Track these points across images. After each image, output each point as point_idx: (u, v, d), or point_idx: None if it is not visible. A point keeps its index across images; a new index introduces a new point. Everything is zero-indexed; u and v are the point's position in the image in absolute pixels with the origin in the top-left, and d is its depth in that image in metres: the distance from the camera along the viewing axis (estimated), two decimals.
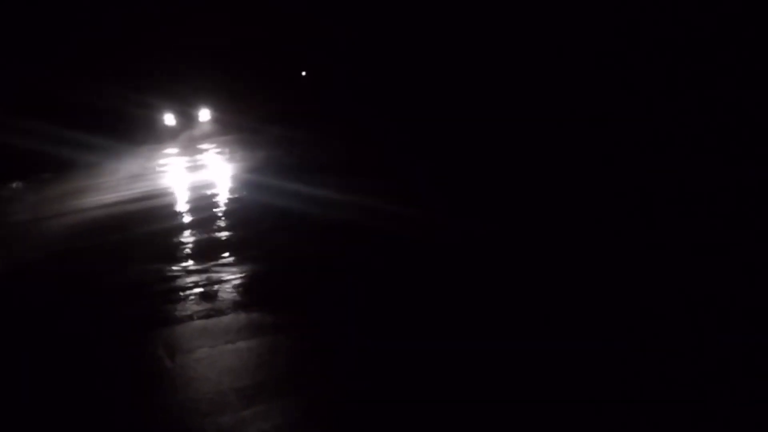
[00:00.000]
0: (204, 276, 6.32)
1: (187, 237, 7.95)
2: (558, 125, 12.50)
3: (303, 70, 27.68)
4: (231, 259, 6.81)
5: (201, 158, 15.41)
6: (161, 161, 15.45)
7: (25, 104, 16.76)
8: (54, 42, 19.72)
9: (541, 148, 11.10)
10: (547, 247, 6.12)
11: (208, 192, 10.91)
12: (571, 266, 5.60)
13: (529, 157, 10.56)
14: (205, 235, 7.89)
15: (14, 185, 12.63)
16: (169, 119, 20.79)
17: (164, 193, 11.29)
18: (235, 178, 12.25)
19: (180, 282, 6.23)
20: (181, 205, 10.19)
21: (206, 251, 7.16)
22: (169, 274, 6.48)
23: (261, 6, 26.06)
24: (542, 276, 5.45)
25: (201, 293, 5.85)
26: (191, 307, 5.53)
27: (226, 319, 5.19)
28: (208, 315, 5.31)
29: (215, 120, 21.44)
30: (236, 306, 5.47)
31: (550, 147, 11.05)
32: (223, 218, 8.83)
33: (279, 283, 6.04)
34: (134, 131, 19.10)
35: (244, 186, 11.30)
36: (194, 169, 13.74)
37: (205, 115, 21.38)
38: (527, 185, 8.76)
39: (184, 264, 6.77)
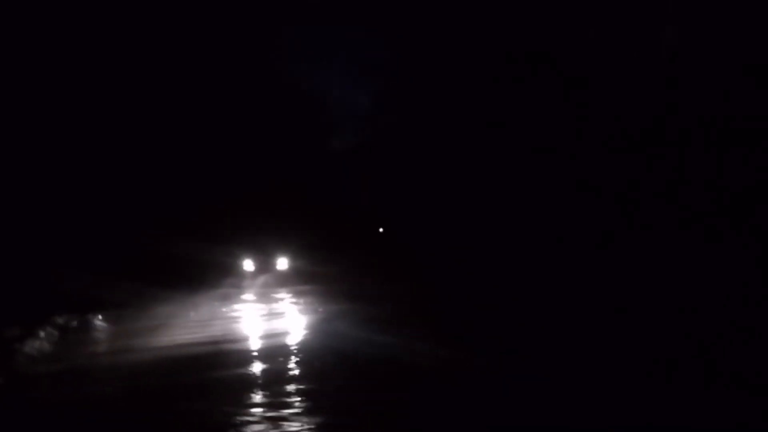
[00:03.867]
0: (275, 424, 6.60)
1: (258, 383, 8.28)
2: None
3: (381, 227, 29.01)
4: (301, 408, 7.08)
5: (276, 306, 15.97)
6: (237, 306, 16.08)
7: (115, 251, 18.23)
8: (151, 203, 21.58)
9: None
10: None
11: (281, 339, 11.33)
12: None
13: None
14: (276, 383, 8.18)
15: (92, 317, 13.33)
16: (248, 265, 21.78)
17: (238, 338, 11.74)
18: (308, 327, 12.70)
19: (249, 429, 6.52)
20: (253, 351, 10.60)
21: (276, 398, 7.44)
22: (238, 420, 6.76)
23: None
24: None
25: None
26: None
27: None
28: None
29: (292, 269, 22.24)
30: None
31: None
32: (295, 367, 9.14)
33: None
34: (215, 276, 20.13)
35: (317, 335, 11.75)
36: (269, 317, 14.24)
37: (282, 263, 22.23)
38: None
39: (254, 410, 7.06)
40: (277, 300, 17.16)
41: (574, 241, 16.24)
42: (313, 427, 6.52)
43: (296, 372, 8.87)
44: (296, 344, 10.99)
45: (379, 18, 24.96)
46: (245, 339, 11.90)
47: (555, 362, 8.64)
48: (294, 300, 16.94)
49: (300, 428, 6.46)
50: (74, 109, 19.71)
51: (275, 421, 6.66)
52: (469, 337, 10.73)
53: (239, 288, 19.83)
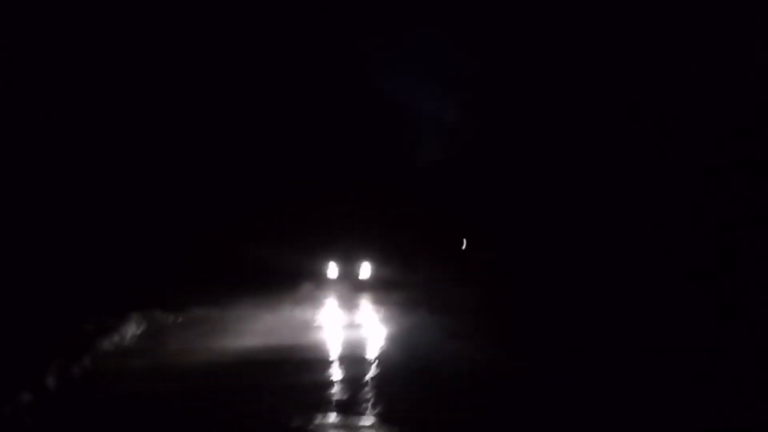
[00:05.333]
0: None
1: (334, 390, 8.27)
2: None
3: (464, 238, 29.19)
4: (377, 417, 7.01)
5: (356, 313, 15.96)
6: (317, 311, 16.13)
7: (194, 253, 18.72)
8: (239, 210, 22.08)
9: None
10: None
11: (360, 349, 11.43)
12: None
13: None
14: (352, 391, 8.15)
15: (170, 316, 13.56)
16: (331, 271, 21.89)
17: (315, 345, 11.81)
18: (389, 337, 12.61)
19: None
20: (331, 359, 10.74)
21: (351, 406, 7.40)
22: (312, 425, 6.73)
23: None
24: None
25: None
26: None
27: None
28: None
29: (375, 277, 22.26)
30: None
31: None
32: (373, 376, 9.14)
33: None
34: (298, 281, 20.31)
35: (398, 346, 11.66)
36: (349, 325, 14.26)
37: (366, 270, 22.25)
38: None
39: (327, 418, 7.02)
40: (357, 307, 17.17)
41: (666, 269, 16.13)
42: None
43: (374, 382, 8.82)
44: (376, 354, 11.06)
45: (469, 33, 25.29)
46: (323, 346, 11.93)
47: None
48: (375, 308, 16.89)
49: None
50: (155, 111, 20.27)
51: (349, 429, 6.60)
52: (568, 356, 10.42)
53: (321, 293, 19.94)
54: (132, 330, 11.78)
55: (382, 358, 10.57)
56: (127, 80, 20.00)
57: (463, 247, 28.94)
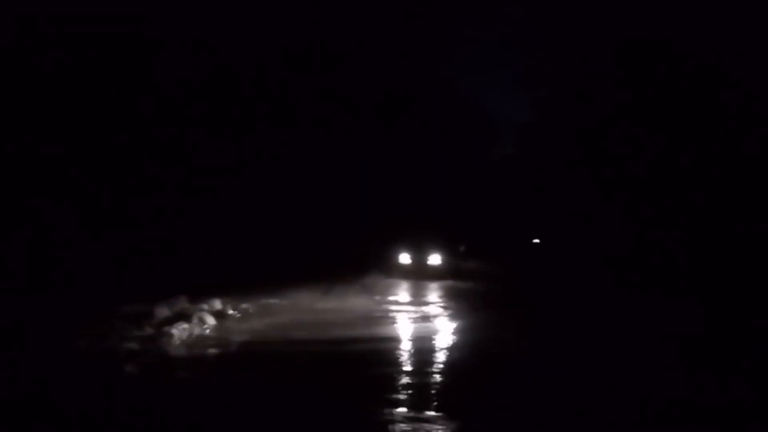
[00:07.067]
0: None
1: (403, 386, 8.27)
2: None
3: (536, 238, 29.61)
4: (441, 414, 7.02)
5: (425, 309, 15.84)
6: (388, 306, 16.15)
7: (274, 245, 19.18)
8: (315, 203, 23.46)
9: None
10: None
11: (430, 345, 11.31)
12: None
13: None
14: (417, 386, 8.14)
15: (242, 306, 13.75)
16: (403, 259, 22.07)
17: (387, 337, 11.81)
18: (457, 332, 12.50)
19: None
20: (401, 355, 10.66)
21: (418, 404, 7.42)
22: (382, 419, 6.76)
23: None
24: None
25: None
26: None
27: None
28: None
29: (445, 265, 22.33)
30: None
31: None
32: (441, 376, 9.14)
33: None
34: (372, 270, 20.60)
35: (465, 346, 11.58)
36: (417, 316, 14.21)
37: (435, 259, 22.33)
38: None
39: (398, 410, 7.05)
40: (426, 296, 17.23)
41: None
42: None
43: (441, 376, 8.77)
44: (444, 348, 11.07)
45: (542, 33, 25.80)
46: (395, 339, 11.89)
47: None
48: (443, 301, 16.81)
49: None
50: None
51: (416, 423, 6.65)
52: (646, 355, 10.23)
53: (392, 281, 20.09)
54: (206, 318, 11.95)
55: (452, 354, 10.53)
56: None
57: (535, 241, 29.25)
